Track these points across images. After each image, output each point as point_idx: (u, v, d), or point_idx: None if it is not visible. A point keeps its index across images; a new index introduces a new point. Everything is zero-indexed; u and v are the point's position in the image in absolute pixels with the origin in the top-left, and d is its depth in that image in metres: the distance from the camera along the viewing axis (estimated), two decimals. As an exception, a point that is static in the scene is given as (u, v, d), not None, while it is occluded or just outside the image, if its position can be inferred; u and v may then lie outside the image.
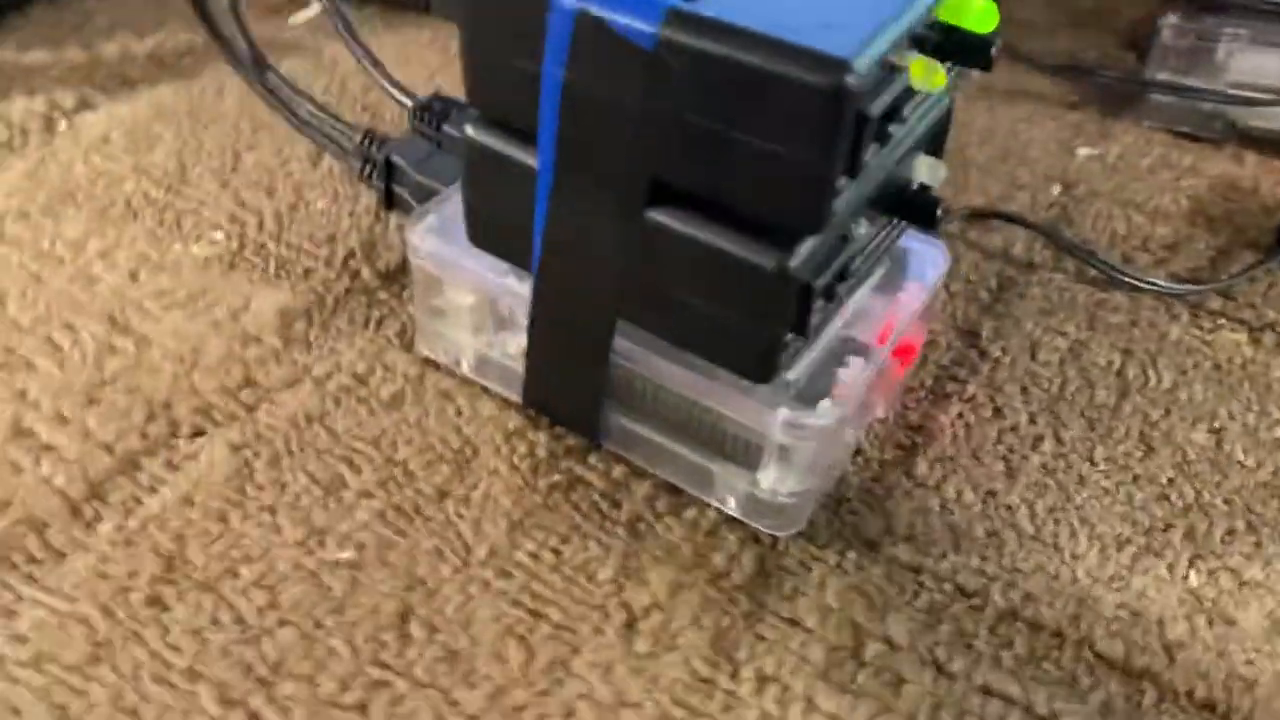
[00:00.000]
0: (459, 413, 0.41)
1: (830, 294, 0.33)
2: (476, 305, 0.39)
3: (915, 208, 0.35)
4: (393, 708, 0.32)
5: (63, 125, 0.53)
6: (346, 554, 0.36)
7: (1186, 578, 0.37)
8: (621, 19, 0.28)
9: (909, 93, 0.31)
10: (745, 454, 0.36)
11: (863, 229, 0.34)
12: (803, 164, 0.28)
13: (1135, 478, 0.40)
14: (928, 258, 0.40)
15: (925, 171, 0.36)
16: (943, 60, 0.32)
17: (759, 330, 0.32)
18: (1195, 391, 0.44)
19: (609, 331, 0.35)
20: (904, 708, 0.33)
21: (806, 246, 0.31)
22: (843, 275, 0.33)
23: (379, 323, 0.44)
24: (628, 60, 0.29)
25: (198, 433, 0.39)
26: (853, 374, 0.36)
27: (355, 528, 0.37)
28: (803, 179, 0.28)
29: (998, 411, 0.42)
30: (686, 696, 0.33)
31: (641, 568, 0.36)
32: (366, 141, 0.44)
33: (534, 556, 0.36)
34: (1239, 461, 0.41)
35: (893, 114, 0.29)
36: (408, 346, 0.43)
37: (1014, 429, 0.42)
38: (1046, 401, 0.43)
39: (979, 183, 0.54)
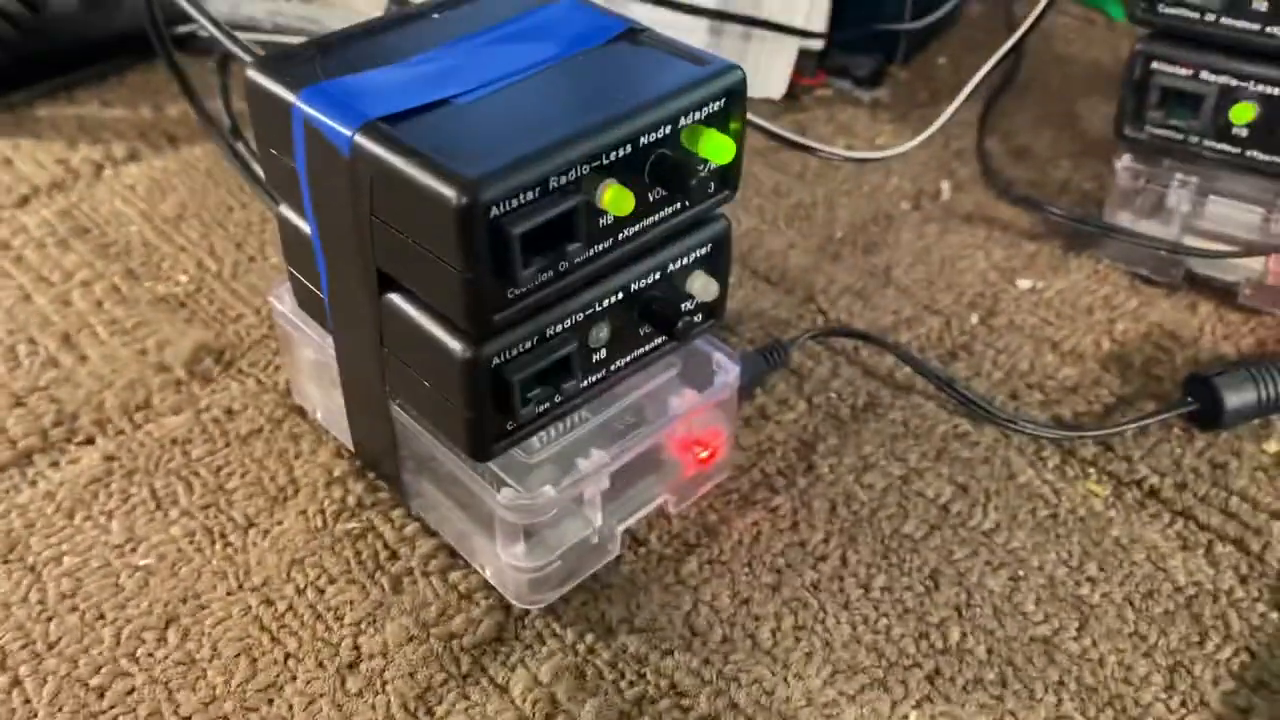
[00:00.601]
0: (298, 455, 0.46)
1: (556, 388, 0.36)
2: (317, 362, 0.44)
3: (660, 320, 0.38)
4: (125, 695, 0.37)
5: (108, 172, 0.63)
6: (147, 561, 0.41)
7: (906, 717, 0.37)
8: (328, 125, 0.33)
9: (606, 216, 0.34)
10: (492, 526, 0.39)
11: (604, 333, 0.37)
12: (451, 271, 0.31)
13: (905, 611, 0.40)
14: (725, 366, 0.42)
15: (697, 287, 0.38)
16: (665, 186, 0.35)
17: (464, 413, 0.35)
18: (1015, 536, 0.43)
19: (385, 396, 0.39)
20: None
21: (504, 341, 0.34)
22: (564, 372, 0.36)
23: (276, 369, 0.50)
24: (336, 162, 0.33)
25: (88, 441, 0.46)
26: (589, 464, 0.38)
27: (165, 540, 0.42)
28: (455, 283, 0.31)
29: (795, 525, 0.43)
30: (374, 737, 0.36)
31: (386, 617, 0.40)
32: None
33: (299, 591, 0.40)
34: (1024, 613, 0.40)
35: (562, 233, 0.32)
36: (287, 393, 0.48)
37: (802, 544, 0.42)
38: (850, 524, 0.43)
39: (891, 303, 0.54)
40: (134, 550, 0.42)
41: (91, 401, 0.48)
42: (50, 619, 0.39)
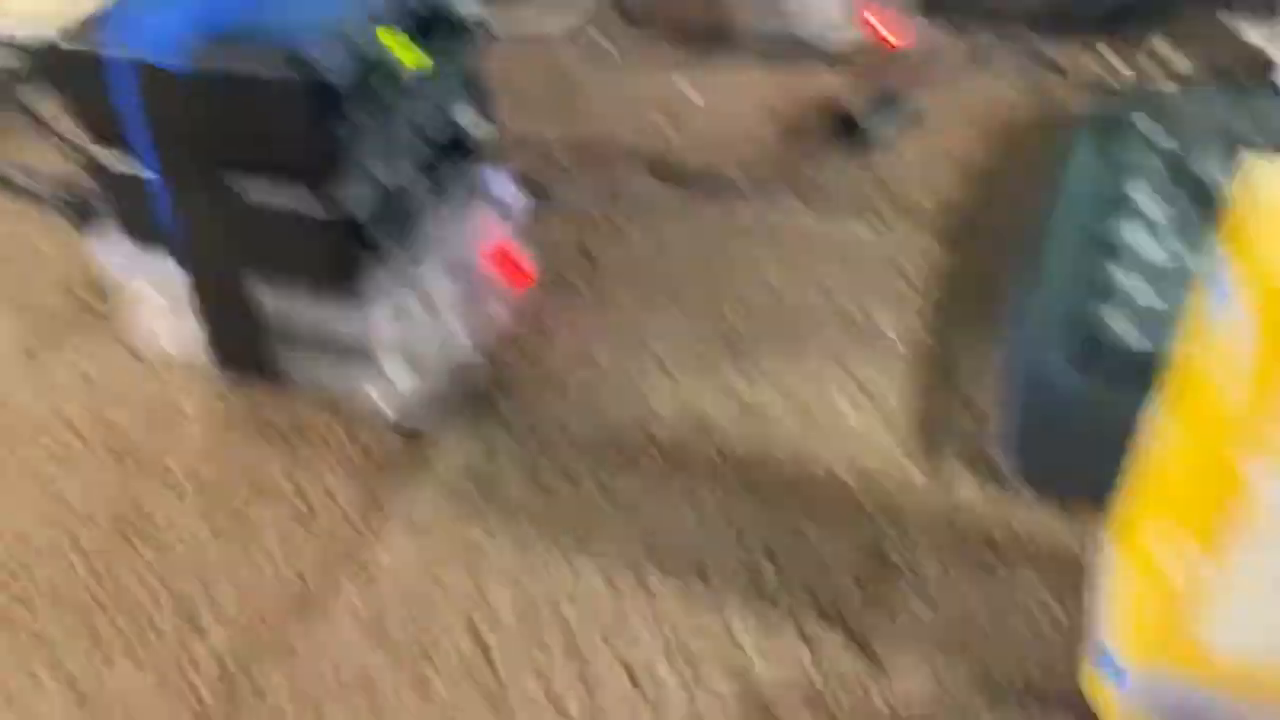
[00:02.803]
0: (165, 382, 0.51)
1: (397, 226, 0.45)
2: (159, 286, 0.50)
3: (457, 145, 0.47)
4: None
5: None
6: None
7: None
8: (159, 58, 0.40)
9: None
10: (374, 357, 0.47)
11: (413, 170, 0.46)
12: (296, 134, 0.40)
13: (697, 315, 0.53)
14: (510, 195, 0.52)
15: (464, 119, 0.48)
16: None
17: (323, 252, 0.44)
18: (757, 257, 0.56)
19: (243, 281, 0.46)
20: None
21: (346, 187, 0.42)
22: (391, 212, 0.45)
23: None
24: (171, 85, 0.40)
25: None
26: (433, 277, 0.47)
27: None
28: (300, 146, 0.40)
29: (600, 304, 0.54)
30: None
31: (311, 460, 0.47)
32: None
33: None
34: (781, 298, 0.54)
35: (371, 92, 0.41)
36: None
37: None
38: (653, 288, 0.55)
39: (592, 125, 0.67)
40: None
41: None
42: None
